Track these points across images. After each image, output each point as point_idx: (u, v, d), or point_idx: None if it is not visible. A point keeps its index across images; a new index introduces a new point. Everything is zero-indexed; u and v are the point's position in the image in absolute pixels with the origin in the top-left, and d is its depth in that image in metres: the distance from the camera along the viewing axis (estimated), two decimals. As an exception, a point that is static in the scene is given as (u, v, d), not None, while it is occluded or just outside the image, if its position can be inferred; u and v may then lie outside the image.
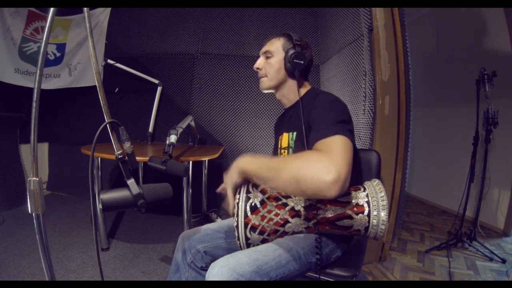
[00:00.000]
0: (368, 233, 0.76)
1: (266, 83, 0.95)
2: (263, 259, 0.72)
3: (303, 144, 0.81)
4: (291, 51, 0.89)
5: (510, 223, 2.16)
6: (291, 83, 0.93)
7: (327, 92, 0.89)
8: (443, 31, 2.87)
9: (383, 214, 0.73)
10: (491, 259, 1.75)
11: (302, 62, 0.88)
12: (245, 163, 0.71)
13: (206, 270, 0.91)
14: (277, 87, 0.96)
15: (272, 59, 0.92)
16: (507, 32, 2.09)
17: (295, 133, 0.90)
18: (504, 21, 2.11)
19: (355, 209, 0.74)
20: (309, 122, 0.79)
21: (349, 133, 0.69)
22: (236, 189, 0.76)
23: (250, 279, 0.67)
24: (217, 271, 0.67)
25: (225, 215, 2.41)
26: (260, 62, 0.95)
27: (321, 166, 0.57)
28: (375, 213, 0.73)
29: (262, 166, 0.67)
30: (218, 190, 0.83)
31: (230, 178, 0.74)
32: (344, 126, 0.71)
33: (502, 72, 1.89)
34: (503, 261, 1.72)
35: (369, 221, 0.74)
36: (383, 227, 0.73)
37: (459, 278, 1.56)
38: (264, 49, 0.95)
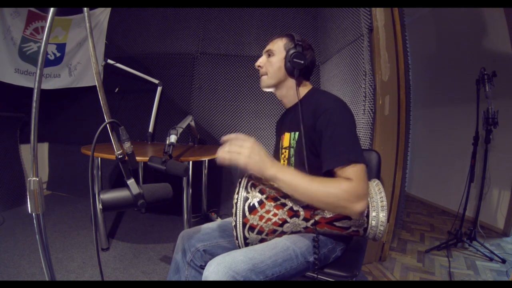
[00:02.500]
0: (367, 234, 0.76)
1: (266, 81, 0.96)
2: (259, 257, 0.72)
3: (305, 145, 0.82)
4: (292, 51, 0.89)
5: (510, 223, 2.16)
6: (291, 83, 0.94)
7: (329, 93, 0.89)
8: (443, 31, 2.87)
9: (382, 215, 0.73)
10: (491, 259, 1.75)
11: (302, 61, 0.88)
12: (280, 171, 0.71)
13: (205, 269, 0.92)
14: (276, 85, 0.96)
15: (273, 58, 0.93)
16: (507, 32, 2.08)
17: (297, 133, 0.90)
18: (504, 21, 2.11)
19: None
20: (323, 134, 0.78)
21: (362, 153, 0.74)
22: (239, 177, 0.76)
23: (245, 276, 0.67)
24: (213, 269, 0.68)
25: (225, 215, 2.41)
26: (261, 60, 0.96)
27: (353, 198, 0.67)
28: (374, 214, 0.73)
29: (296, 182, 0.70)
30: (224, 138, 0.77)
31: (253, 164, 0.70)
32: (359, 146, 0.76)
33: (502, 72, 1.89)
34: (503, 261, 1.72)
35: (368, 222, 0.74)
36: (382, 228, 0.73)
37: (459, 278, 1.56)
38: (266, 48, 0.96)
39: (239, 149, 0.71)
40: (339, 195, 0.67)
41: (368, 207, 0.74)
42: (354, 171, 0.70)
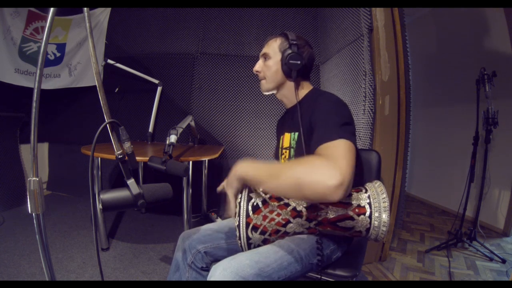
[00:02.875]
0: (369, 235, 0.76)
1: (265, 86, 0.95)
2: (265, 261, 0.71)
3: (306, 145, 0.81)
4: (287, 52, 0.87)
5: (510, 223, 2.16)
6: (290, 84, 0.93)
7: (329, 93, 0.88)
8: (443, 31, 2.87)
9: (385, 216, 0.72)
10: (491, 259, 1.75)
11: (299, 62, 0.87)
12: (244, 170, 0.70)
13: (206, 271, 0.91)
14: (276, 88, 0.95)
15: (269, 61, 0.92)
16: (507, 32, 2.08)
17: (296, 134, 0.90)
18: (504, 21, 2.11)
19: (356, 210, 0.74)
20: (311, 124, 0.79)
21: (352, 135, 0.69)
22: (237, 195, 0.76)
23: (250, 281, 0.67)
24: (219, 274, 0.67)
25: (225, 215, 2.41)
26: (258, 65, 0.95)
27: (325, 171, 0.57)
28: (376, 214, 0.73)
29: (262, 172, 0.67)
30: (219, 189, 0.83)
31: (230, 185, 0.74)
32: (347, 128, 0.71)
33: (502, 72, 1.89)
34: (503, 261, 1.72)
35: (370, 223, 0.74)
36: (384, 228, 0.73)
37: (459, 278, 1.56)
38: (262, 51, 0.95)
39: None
40: (308, 167, 0.60)
41: (370, 207, 0.73)
42: (330, 146, 0.66)
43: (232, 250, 0.91)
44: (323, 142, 0.67)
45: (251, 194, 0.77)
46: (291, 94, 0.94)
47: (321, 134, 0.70)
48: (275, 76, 0.92)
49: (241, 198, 0.76)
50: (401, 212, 1.83)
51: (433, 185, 3.03)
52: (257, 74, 0.97)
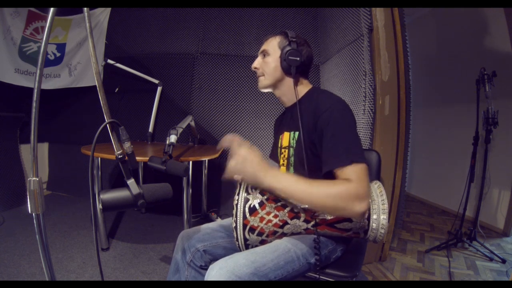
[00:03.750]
0: (367, 236, 0.76)
1: (263, 82, 0.95)
2: (261, 260, 0.72)
3: (306, 145, 0.82)
4: (287, 48, 0.88)
5: (510, 223, 2.16)
6: (289, 81, 0.93)
7: (329, 93, 0.88)
8: (443, 31, 2.87)
9: (383, 218, 0.72)
10: (491, 259, 1.75)
11: (298, 58, 0.87)
12: (274, 181, 0.69)
13: (205, 269, 0.91)
14: (274, 85, 0.95)
15: (268, 58, 0.92)
16: (507, 32, 2.08)
17: (297, 133, 0.90)
18: (504, 21, 2.11)
19: None
20: (316, 128, 0.79)
21: (363, 153, 0.74)
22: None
23: (248, 281, 0.67)
24: (215, 273, 0.68)
25: (225, 215, 2.41)
26: (257, 62, 0.95)
27: (353, 199, 0.65)
28: (375, 216, 0.73)
29: (293, 188, 0.69)
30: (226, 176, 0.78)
31: (248, 178, 0.71)
32: (360, 146, 0.75)
33: (502, 72, 1.89)
34: (503, 261, 1.72)
35: (368, 225, 0.74)
36: (382, 230, 0.73)
37: (459, 278, 1.56)
38: (261, 48, 0.95)
39: (233, 163, 0.71)
40: (338, 196, 0.66)
41: (369, 209, 0.73)
42: (354, 171, 0.69)
43: (232, 248, 0.91)
44: (343, 164, 0.70)
45: (248, 196, 0.77)
46: (289, 92, 0.94)
47: (340, 155, 0.72)
48: (274, 72, 0.92)
49: (238, 200, 0.76)
50: (401, 212, 1.83)
51: (433, 185, 3.03)
52: (255, 71, 0.97)
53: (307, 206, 0.76)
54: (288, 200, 0.77)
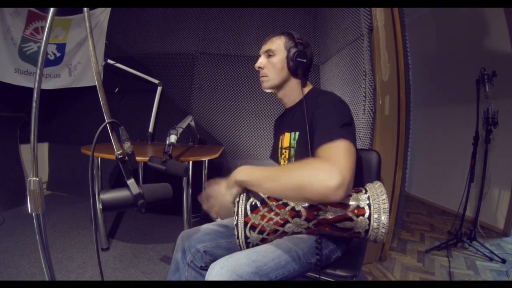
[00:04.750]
0: (368, 236, 0.76)
1: (268, 82, 0.94)
2: (262, 260, 0.71)
3: (307, 145, 0.81)
4: (294, 50, 0.88)
5: (510, 223, 2.16)
6: (294, 82, 0.93)
7: (329, 92, 0.88)
8: (443, 31, 2.87)
9: (384, 218, 0.72)
10: (491, 259, 1.75)
11: (305, 60, 0.88)
12: (243, 174, 0.71)
13: (205, 270, 0.91)
14: (279, 86, 0.95)
15: (274, 58, 0.91)
16: (507, 32, 2.08)
17: (297, 133, 0.90)
18: (504, 21, 2.11)
19: (356, 211, 0.74)
20: (312, 124, 0.79)
21: (352, 135, 0.70)
22: (235, 200, 0.77)
23: (249, 280, 0.67)
24: (216, 272, 0.67)
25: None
26: (261, 61, 0.94)
27: (325, 172, 0.58)
28: (375, 216, 0.73)
29: (261, 176, 0.68)
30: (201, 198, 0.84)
31: (225, 195, 0.77)
32: (347, 129, 0.72)
33: (502, 72, 1.89)
34: (503, 261, 1.72)
35: (369, 224, 0.74)
36: (383, 230, 0.73)
37: (459, 278, 1.56)
38: (265, 47, 0.94)
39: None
40: (304, 172, 0.60)
41: (370, 209, 0.73)
42: (330, 147, 0.65)
43: (232, 249, 0.91)
44: (322, 143, 0.68)
45: (249, 194, 0.77)
46: (293, 93, 0.94)
47: (321, 135, 0.71)
48: (280, 73, 0.91)
49: (239, 197, 0.76)
50: (401, 212, 1.83)
51: (433, 185, 3.03)
52: (259, 71, 0.96)
53: (277, 195, 0.74)
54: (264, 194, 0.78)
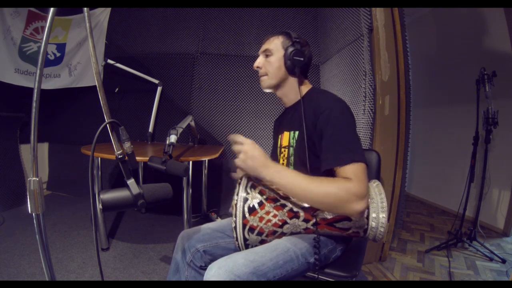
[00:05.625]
0: (367, 235, 0.76)
1: (266, 82, 0.95)
2: (260, 260, 0.72)
3: (304, 145, 0.81)
4: (291, 49, 0.88)
5: (510, 223, 2.16)
6: (292, 81, 0.93)
7: (329, 93, 0.88)
8: (443, 31, 2.87)
9: (382, 216, 0.72)
10: (491, 259, 1.75)
11: (302, 59, 0.88)
12: (276, 176, 0.72)
13: (205, 269, 0.91)
14: (278, 85, 0.95)
15: (271, 57, 0.92)
16: (507, 32, 2.08)
17: (297, 132, 0.90)
18: (504, 21, 2.11)
19: None
20: (316, 128, 0.80)
21: (363, 153, 0.75)
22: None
23: (247, 280, 0.67)
24: (214, 273, 0.68)
25: (225, 215, 2.41)
26: (259, 61, 0.95)
27: (357, 198, 0.66)
28: (374, 215, 0.73)
29: (294, 184, 0.70)
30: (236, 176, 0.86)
31: (251, 172, 0.75)
32: (360, 146, 0.76)
33: (502, 72, 1.89)
34: (503, 261, 1.72)
35: (368, 223, 0.74)
36: (382, 229, 0.73)
37: (459, 278, 1.56)
38: (263, 47, 0.95)
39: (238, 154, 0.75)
40: (338, 195, 0.67)
41: (368, 208, 0.73)
42: (353, 170, 0.69)
43: (231, 249, 0.91)
44: (343, 163, 0.71)
45: (247, 196, 0.77)
46: (292, 92, 0.95)
47: (340, 154, 0.73)
48: (278, 72, 0.92)
49: (237, 200, 0.76)
50: (401, 212, 1.83)
51: (433, 185, 3.03)
52: (257, 70, 0.96)
53: (306, 203, 0.76)
54: (288, 197, 0.77)
